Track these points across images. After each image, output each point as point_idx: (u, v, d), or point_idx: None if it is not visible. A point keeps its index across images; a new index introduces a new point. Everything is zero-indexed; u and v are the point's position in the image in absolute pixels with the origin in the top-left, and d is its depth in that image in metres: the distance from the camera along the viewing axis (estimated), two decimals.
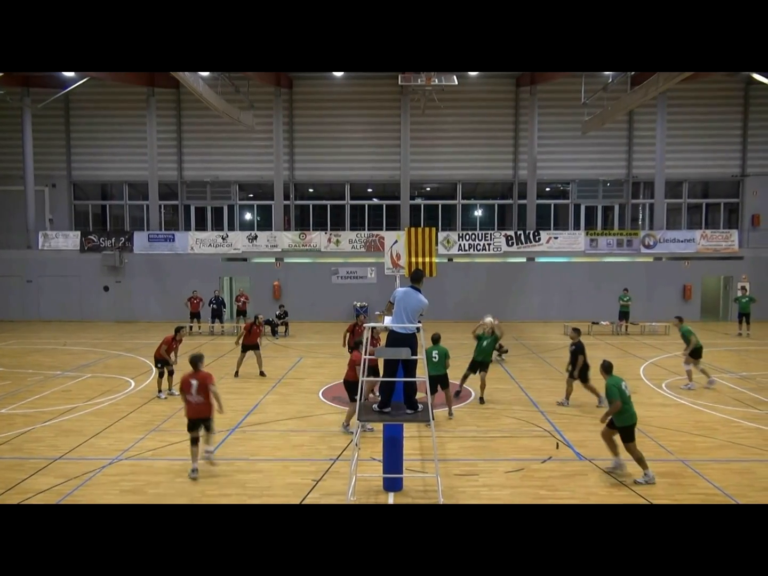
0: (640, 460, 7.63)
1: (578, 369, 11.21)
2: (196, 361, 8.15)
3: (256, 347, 14.24)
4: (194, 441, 7.89)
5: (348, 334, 13.59)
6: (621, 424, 7.72)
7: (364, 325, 6.94)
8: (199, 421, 7.94)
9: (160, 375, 12.23)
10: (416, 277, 7.03)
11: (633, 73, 21.89)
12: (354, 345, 9.28)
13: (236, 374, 14.07)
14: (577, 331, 11.62)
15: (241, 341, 14.25)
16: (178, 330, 12.47)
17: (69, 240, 26.06)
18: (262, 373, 14.14)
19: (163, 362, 12.11)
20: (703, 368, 13.06)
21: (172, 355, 12.28)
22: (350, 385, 9.43)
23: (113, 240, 25.95)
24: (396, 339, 6.68)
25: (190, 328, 21.92)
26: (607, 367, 8.23)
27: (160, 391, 12.15)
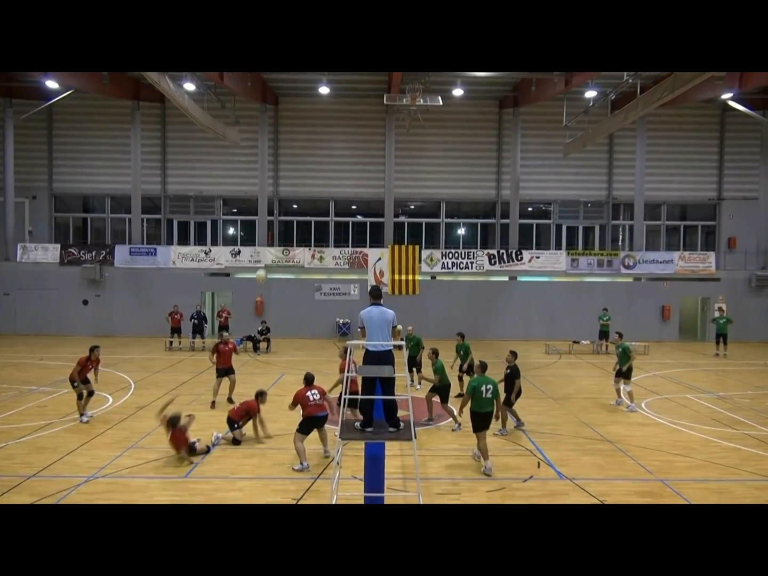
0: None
1: (514, 394, 10.89)
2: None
3: (231, 371, 13.10)
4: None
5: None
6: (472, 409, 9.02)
7: (346, 342, 6.94)
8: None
9: (79, 397, 11.32)
10: (376, 294, 7.13)
11: (613, 97, 22.36)
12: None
13: (212, 405, 12.66)
14: (513, 354, 11.17)
15: (215, 359, 13.01)
16: (92, 350, 11.67)
17: (48, 253, 25.69)
18: (229, 400, 12.97)
19: (79, 383, 11.24)
20: (631, 390, 13.39)
21: (91, 375, 11.50)
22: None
23: (94, 253, 25.64)
24: (374, 357, 6.73)
25: (170, 343, 21.72)
26: (482, 366, 9.34)
27: (81, 414, 11.34)
